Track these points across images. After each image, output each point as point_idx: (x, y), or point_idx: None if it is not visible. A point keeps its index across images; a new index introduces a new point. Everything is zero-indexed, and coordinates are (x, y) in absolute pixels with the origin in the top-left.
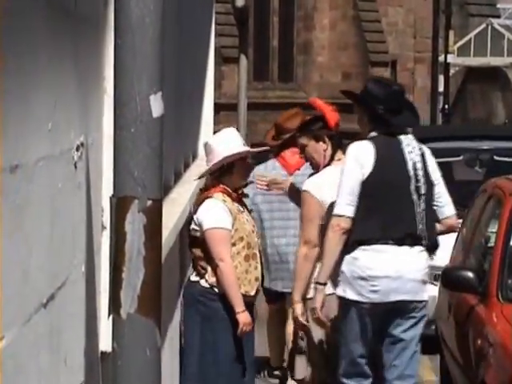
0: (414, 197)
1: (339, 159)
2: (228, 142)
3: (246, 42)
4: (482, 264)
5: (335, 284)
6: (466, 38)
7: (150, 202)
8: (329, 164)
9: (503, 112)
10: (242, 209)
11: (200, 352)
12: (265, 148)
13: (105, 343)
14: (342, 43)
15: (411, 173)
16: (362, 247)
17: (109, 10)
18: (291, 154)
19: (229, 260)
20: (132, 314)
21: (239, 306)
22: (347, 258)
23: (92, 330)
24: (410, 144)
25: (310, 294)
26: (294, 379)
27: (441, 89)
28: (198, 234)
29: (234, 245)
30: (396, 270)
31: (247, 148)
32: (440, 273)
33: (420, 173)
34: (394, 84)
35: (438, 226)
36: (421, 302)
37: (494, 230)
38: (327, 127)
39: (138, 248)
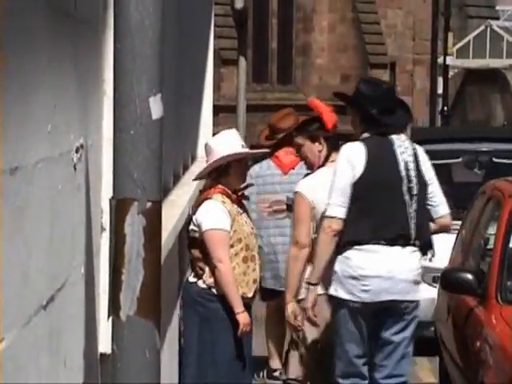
0: (407, 197)
1: (333, 161)
2: (227, 143)
3: (245, 44)
4: (481, 266)
5: (326, 285)
6: (465, 40)
7: (149, 204)
8: (323, 165)
9: (502, 114)
10: (240, 210)
11: (198, 352)
12: (264, 150)
13: (104, 345)
14: (341, 45)
15: (403, 173)
16: (355, 247)
17: (108, 12)
18: (285, 154)
19: (227, 261)
20: (131, 316)
21: (238, 306)
22: (339, 257)
23: (91, 332)
24: (402, 144)
25: (302, 295)
26: (288, 378)
27: (440, 91)
28: (197, 234)
29: (232, 246)
30: (387, 270)
31: (245, 150)
32: (439, 275)
33: (412, 173)
34: (384, 84)
35: (432, 226)
36: (412, 302)
37: (493, 232)
38: (324, 128)
39: (137, 250)
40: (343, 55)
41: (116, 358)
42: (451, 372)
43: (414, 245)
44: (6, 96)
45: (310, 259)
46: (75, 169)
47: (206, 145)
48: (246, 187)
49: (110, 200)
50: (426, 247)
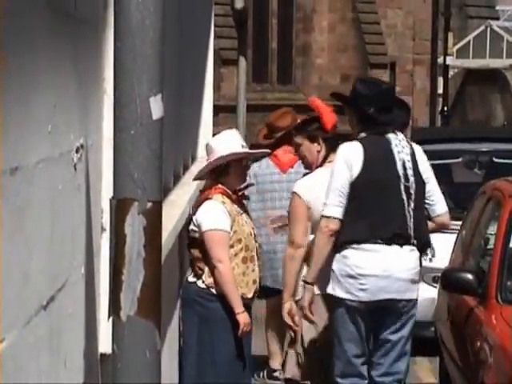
0: (404, 196)
1: (331, 161)
2: (226, 143)
3: (245, 44)
4: (481, 266)
5: (321, 285)
6: (465, 40)
7: (149, 204)
8: (321, 165)
9: (502, 114)
10: (241, 210)
11: (198, 352)
12: (264, 150)
13: (104, 345)
14: (341, 45)
15: (400, 172)
16: (352, 246)
17: (109, 11)
18: (284, 153)
19: (227, 262)
20: (132, 316)
21: (238, 306)
22: (337, 256)
23: (92, 332)
24: (399, 143)
25: (299, 295)
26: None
27: (440, 91)
28: (197, 234)
29: (232, 246)
30: (385, 269)
31: (245, 150)
32: (439, 275)
33: (409, 172)
34: (381, 83)
35: (431, 225)
36: (410, 300)
37: (493, 232)
38: (323, 129)
39: (137, 250)
40: (343, 55)
41: (116, 358)
42: (451, 372)
43: (412, 244)
44: (6, 96)
45: (307, 259)
46: (75, 169)
47: (207, 144)
48: (247, 187)
49: (111, 200)
50: (424, 246)
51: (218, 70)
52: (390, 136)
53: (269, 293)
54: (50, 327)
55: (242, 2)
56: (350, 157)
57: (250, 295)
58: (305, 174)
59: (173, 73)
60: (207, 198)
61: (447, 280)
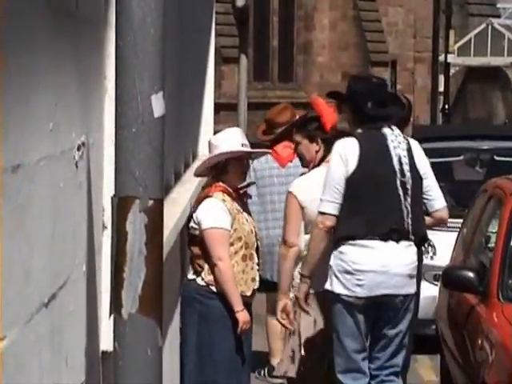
0: (400, 192)
1: (328, 161)
2: (225, 141)
3: (246, 42)
4: (482, 264)
5: (315, 283)
6: (466, 38)
7: (151, 202)
8: (318, 165)
9: (503, 112)
10: (241, 209)
11: (197, 350)
12: (264, 150)
13: (106, 343)
14: (342, 43)
15: (396, 167)
16: (349, 242)
17: (110, 9)
18: (283, 148)
19: (227, 259)
20: (133, 314)
21: (238, 304)
22: (334, 252)
23: (93, 330)
24: (395, 139)
25: (291, 295)
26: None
27: (441, 89)
28: (197, 232)
29: (231, 244)
30: (382, 265)
31: (243, 148)
32: (440, 273)
33: (405, 167)
34: (375, 78)
35: (429, 220)
36: (407, 295)
37: (494, 230)
38: (323, 129)
39: (139, 248)
40: (344, 53)
41: (118, 356)
42: (452, 370)
43: (409, 239)
44: (7, 95)
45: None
46: (77, 167)
47: (209, 141)
48: (248, 185)
49: (112, 198)
50: (421, 241)
51: (219, 68)
52: (386, 131)
53: (268, 286)
54: (51, 325)
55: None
56: (346, 153)
57: (249, 293)
58: (302, 174)
59: (174, 71)
60: (207, 196)
61: (448, 278)
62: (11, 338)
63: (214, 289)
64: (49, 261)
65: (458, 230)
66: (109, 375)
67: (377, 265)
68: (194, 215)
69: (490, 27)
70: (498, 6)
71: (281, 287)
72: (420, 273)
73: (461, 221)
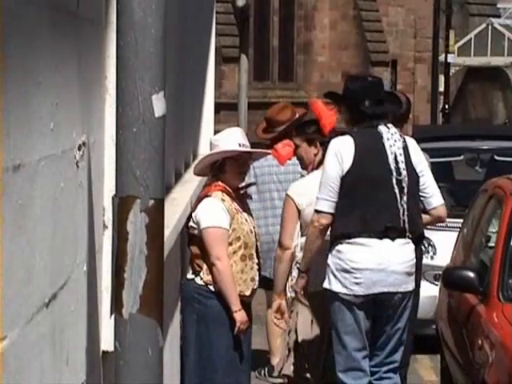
0: (396, 190)
1: None
2: (223, 140)
3: (247, 41)
4: (482, 264)
5: (318, 282)
6: (467, 38)
7: (152, 202)
8: (317, 168)
9: (503, 112)
10: (240, 209)
11: (197, 349)
12: (264, 151)
13: (106, 343)
14: (343, 43)
15: (392, 166)
16: (346, 240)
17: (111, 9)
18: (283, 146)
19: (226, 259)
20: (134, 314)
21: (235, 304)
22: (332, 251)
23: (94, 330)
24: (391, 137)
25: (288, 295)
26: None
27: (441, 88)
28: (196, 231)
29: (230, 244)
30: (378, 263)
31: (240, 148)
32: (441, 272)
33: (401, 165)
34: (371, 77)
35: (427, 218)
36: (405, 293)
37: (494, 230)
38: (321, 132)
39: (140, 248)
40: (344, 53)
41: (118, 356)
42: (452, 370)
43: (406, 237)
44: (8, 94)
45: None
46: (78, 166)
47: (210, 140)
48: (249, 186)
49: (113, 198)
50: (418, 239)
51: (220, 68)
52: (382, 129)
53: (268, 284)
54: (52, 325)
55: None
56: (341, 151)
57: (248, 293)
58: (301, 175)
59: (174, 70)
60: (206, 195)
61: (448, 278)
62: (12, 337)
63: (212, 288)
64: (49, 261)
65: (459, 229)
66: (109, 375)
67: (373, 263)
68: (193, 214)
69: (490, 27)
70: (498, 6)
71: (275, 288)
72: (419, 271)
73: (461, 221)
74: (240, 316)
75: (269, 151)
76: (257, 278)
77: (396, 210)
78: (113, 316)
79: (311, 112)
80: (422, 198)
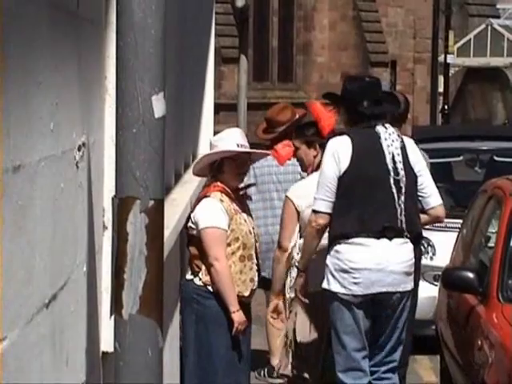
0: (394, 189)
1: None
2: (222, 140)
3: (246, 42)
4: (482, 264)
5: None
6: (466, 39)
7: (151, 203)
8: (316, 169)
9: (503, 112)
10: (239, 209)
11: (196, 350)
12: (262, 151)
13: (106, 343)
14: (342, 43)
15: (390, 165)
16: (344, 241)
17: (111, 10)
18: (282, 146)
19: (224, 260)
20: (134, 315)
21: (233, 305)
22: (330, 251)
23: (94, 330)
24: (389, 137)
25: (287, 295)
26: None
27: (440, 89)
28: (195, 232)
29: (229, 245)
30: (376, 263)
31: (238, 148)
32: (440, 273)
33: (399, 165)
34: (368, 77)
35: (424, 217)
36: (404, 293)
37: (494, 231)
38: (320, 134)
39: (139, 248)
40: (344, 53)
41: (118, 357)
42: (452, 371)
43: (404, 236)
44: (8, 95)
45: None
46: (77, 167)
47: (210, 141)
48: (248, 187)
49: (113, 198)
50: (417, 239)
51: (219, 69)
52: (380, 129)
53: (267, 284)
54: (52, 325)
55: (242, 0)
56: (339, 151)
57: (246, 293)
58: (301, 176)
59: (174, 71)
60: (205, 196)
61: (448, 278)
62: (12, 338)
63: (211, 289)
64: (49, 261)
65: (458, 230)
66: (109, 375)
67: (372, 263)
68: (192, 215)
69: (489, 28)
70: (498, 6)
71: (273, 288)
72: (418, 271)
73: (460, 221)
74: (238, 317)
75: (268, 152)
76: (256, 278)
77: (394, 209)
78: (113, 317)
79: (310, 114)
80: (420, 198)
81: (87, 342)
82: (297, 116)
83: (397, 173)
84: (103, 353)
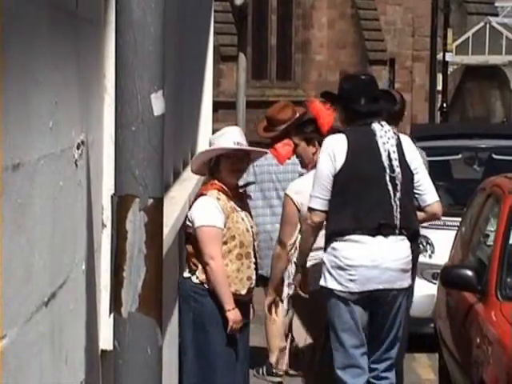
0: (390, 187)
1: None
2: (220, 138)
3: (245, 40)
4: (480, 262)
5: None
6: (465, 37)
7: (151, 201)
8: (315, 166)
9: (501, 110)
10: (238, 208)
11: (194, 348)
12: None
13: (105, 342)
14: (341, 42)
15: (385, 163)
16: (340, 238)
17: (110, 8)
18: (282, 146)
19: (219, 258)
20: (133, 313)
21: (228, 303)
22: (327, 248)
23: (93, 329)
24: (384, 135)
25: (285, 294)
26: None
27: (439, 87)
28: (191, 230)
29: (225, 243)
30: (371, 260)
31: (234, 146)
32: (439, 271)
33: (395, 163)
34: (364, 75)
35: (422, 215)
36: (401, 290)
37: (492, 229)
38: (319, 131)
39: (139, 247)
40: (342, 52)
41: (117, 355)
42: (451, 368)
43: (400, 234)
44: (8, 93)
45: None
46: (76, 165)
47: (209, 139)
48: (247, 185)
49: (112, 197)
50: (414, 236)
51: (218, 67)
52: (375, 127)
53: (266, 282)
54: (51, 324)
55: None
56: (334, 149)
57: (243, 292)
58: (300, 175)
59: (173, 69)
60: (202, 194)
61: (447, 276)
62: (11, 336)
63: (207, 287)
64: (49, 259)
65: (457, 228)
66: (108, 374)
67: (367, 260)
68: (189, 213)
69: (488, 26)
70: (496, 4)
71: (271, 283)
72: (415, 268)
73: (459, 219)
74: (233, 315)
75: (266, 150)
76: (254, 276)
77: (389, 206)
78: (112, 315)
79: (309, 112)
80: (416, 196)
81: (86, 340)
82: (297, 115)
83: (392, 170)
84: (102, 351)
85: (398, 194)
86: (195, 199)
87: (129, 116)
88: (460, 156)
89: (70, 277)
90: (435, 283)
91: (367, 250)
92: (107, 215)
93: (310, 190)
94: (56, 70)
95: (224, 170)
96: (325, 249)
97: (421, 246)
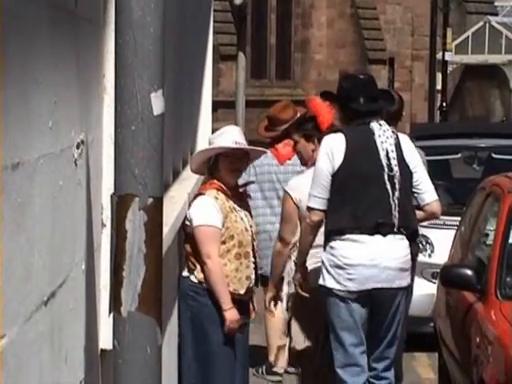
0: (388, 186)
1: None
2: (219, 137)
3: (244, 39)
4: (480, 262)
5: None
6: (464, 36)
7: (150, 200)
8: (314, 164)
9: (501, 109)
10: (237, 207)
11: (193, 347)
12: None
13: (105, 341)
14: (340, 41)
15: (384, 162)
16: (338, 237)
17: (109, 7)
18: (283, 146)
19: (216, 258)
20: (133, 312)
21: (226, 303)
22: (326, 247)
23: (92, 328)
24: (383, 134)
25: (284, 291)
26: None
27: (438, 86)
28: (190, 229)
29: (224, 243)
30: (370, 259)
31: (233, 145)
32: (438, 270)
33: (393, 162)
34: (363, 75)
35: (420, 213)
36: (399, 289)
37: (492, 228)
38: (319, 129)
39: (138, 246)
40: (342, 51)
41: (117, 354)
42: (450, 368)
43: (399, 233)
44: (7, 93)
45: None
46: (76, 165)
47: (208, 139)
48: (247, 184)
49: (112, 196)
50: (413, 235)
51: (217, 66)
52: (374, 126)
53: (266, 281)
54: (50, 323)
55: None
56: (333, 148)
57: (242, 291)
58: (300, 172)
59: (173, 69)
60: (200, 193)
61: (446, 276)
62: (11, 336)
63: (206, 286)
64: (48, 259)
65: (456, 227)
66: (108, 373)
67: (365, 259)
68: (187, 213)
69: (487, 25)
70: (496, 3)
71: (271, 282)
72: (414, 267)
73: (459, 218)
74: (230, 314)
75: (264, 149)
76: (253, 276)
77: (388, 205)
78: (111, 314)
79: (309, 109)
80: (415, 195)
81: (86, 339)
82: (298, 114)
83: (391, 169)
84: (102, 350)
85: (397, 193)
86: (194, 198)
87: (128, 115)
88: (459, 155)
89: (69, 276)
90: (435, 282)
91: (366, 249)
92: (107, 214)
93: (309, 186)
94: (56, 69)
95: (223, 169)
96: (324, 247)
97: (420, 245)
